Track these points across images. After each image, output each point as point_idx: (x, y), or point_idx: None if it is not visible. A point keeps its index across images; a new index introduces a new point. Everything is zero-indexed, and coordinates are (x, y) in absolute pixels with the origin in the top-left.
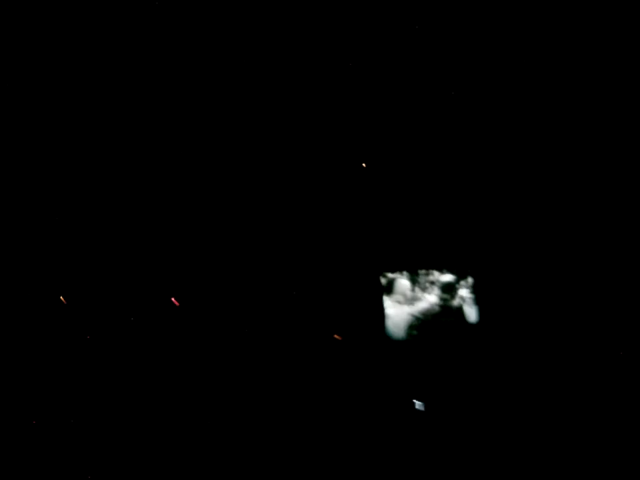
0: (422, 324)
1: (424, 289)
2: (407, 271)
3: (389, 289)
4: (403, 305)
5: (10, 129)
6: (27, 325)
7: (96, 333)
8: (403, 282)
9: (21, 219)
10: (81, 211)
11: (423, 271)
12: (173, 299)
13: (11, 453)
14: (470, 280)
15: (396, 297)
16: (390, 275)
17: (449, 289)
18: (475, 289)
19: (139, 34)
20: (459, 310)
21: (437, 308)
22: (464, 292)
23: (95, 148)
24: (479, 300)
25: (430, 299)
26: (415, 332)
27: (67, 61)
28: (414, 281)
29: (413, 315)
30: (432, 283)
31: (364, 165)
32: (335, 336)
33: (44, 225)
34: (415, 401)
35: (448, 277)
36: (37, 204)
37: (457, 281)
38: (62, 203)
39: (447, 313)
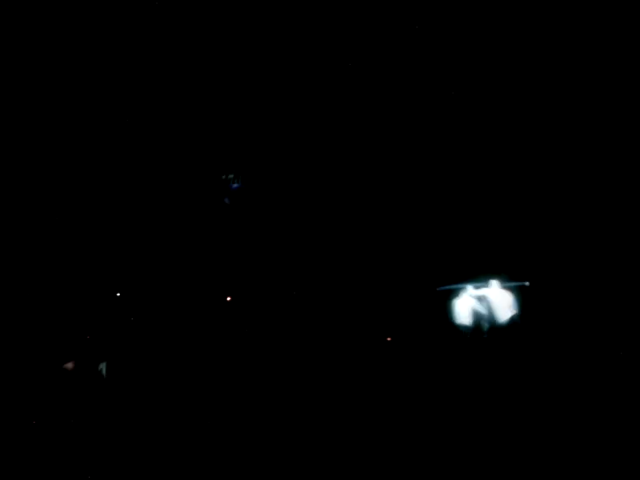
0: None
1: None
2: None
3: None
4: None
5: (10, 129)
6: (27, 325)
7: (96, 333)
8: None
9: (22, 219)
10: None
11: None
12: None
13: (11, 453)
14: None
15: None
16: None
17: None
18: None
19: (139, 34)
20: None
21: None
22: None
23: (95, 148)
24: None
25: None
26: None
27: (67, 61)
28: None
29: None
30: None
31: None
32: (388, 338)
33: (46, 225)
34: None
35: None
36: (38, 204)
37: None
38: (63, 203)
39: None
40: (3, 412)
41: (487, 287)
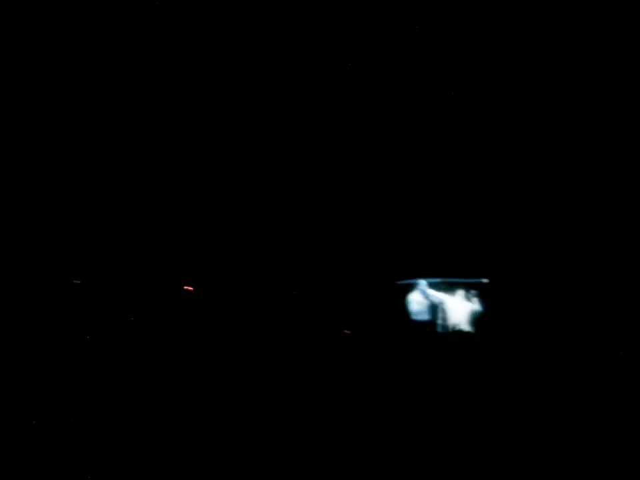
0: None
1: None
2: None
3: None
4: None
5: (10, 129)
6: (27, 324)
7: (96, 333)
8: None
9: (21, 218)
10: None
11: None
12: (187, 287)
13: (11, 453)
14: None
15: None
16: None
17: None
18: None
19: (138, 34)
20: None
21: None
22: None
23: (95, 148)
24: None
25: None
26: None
27: (67, 61)
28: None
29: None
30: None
31: None
32: (345, 331)
33: (44, 224)
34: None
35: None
36: (37, 203)
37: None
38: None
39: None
40: (3, 412)
41: (445, 283)
